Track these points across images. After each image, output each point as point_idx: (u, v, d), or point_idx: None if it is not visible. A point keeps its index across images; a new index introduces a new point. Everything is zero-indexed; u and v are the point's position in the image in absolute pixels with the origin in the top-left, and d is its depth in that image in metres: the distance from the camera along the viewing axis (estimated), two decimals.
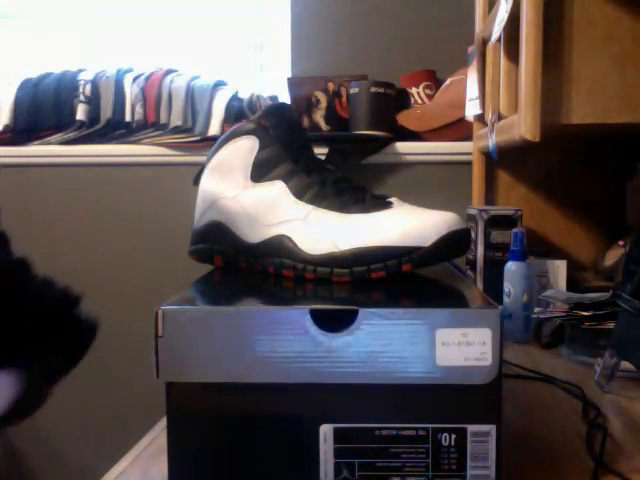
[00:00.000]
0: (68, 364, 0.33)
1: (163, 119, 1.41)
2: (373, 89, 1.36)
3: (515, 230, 0.97)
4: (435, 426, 0.46)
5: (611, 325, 0.79)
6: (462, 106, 1.28)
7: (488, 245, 1.07)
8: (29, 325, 0.31)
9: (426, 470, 0.47)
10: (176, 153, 1.45)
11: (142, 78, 1.45)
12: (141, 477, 0.52)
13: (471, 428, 0.46)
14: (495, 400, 0.46)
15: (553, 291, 0.99)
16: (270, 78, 1.58)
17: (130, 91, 1.43)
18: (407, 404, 0.46)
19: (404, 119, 1.39)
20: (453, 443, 0.46)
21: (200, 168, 0.70)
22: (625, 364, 0.71)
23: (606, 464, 0.54)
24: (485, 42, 1.17)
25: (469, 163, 1.35)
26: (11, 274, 0.32)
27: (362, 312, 0.45)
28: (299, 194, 0.61)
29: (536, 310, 0.95)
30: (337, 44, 1.46)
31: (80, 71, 1.48)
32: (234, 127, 0.66)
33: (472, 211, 1.12)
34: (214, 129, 1.40)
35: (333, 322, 0.45)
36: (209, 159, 0.68)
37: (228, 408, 0.47)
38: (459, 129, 1.37)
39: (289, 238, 0.59)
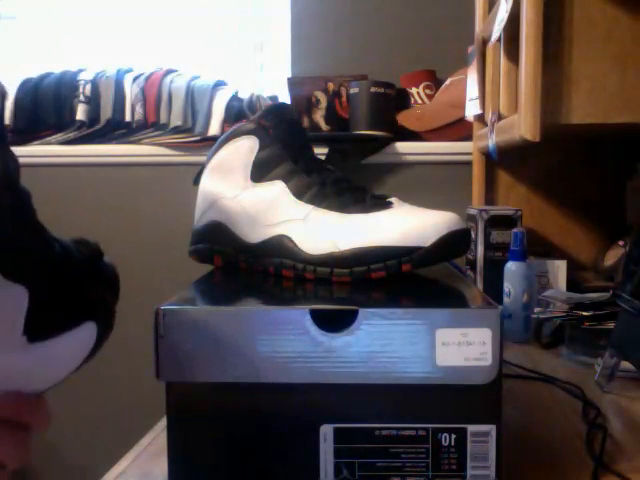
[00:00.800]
0: (114, 309, 0.38)
1: (163, 119, 1.41)
2: (373, 89, 1.36)
3: (515, 230, 0.97)
4: (435, 426, 0.46)
5: (611, 325, 0.79)
6: (462, 106, 1.28)
7: (488, 245, 1.07)
8: (89, 281, 0.36)
9: (426, 470, 0.47)
10: (176, 153, 1.45)
11: (142, 78, 1.44)
12: (141, 477, 0.52)
13: (471, 428, 0.46)
14: (495, 400, 0.46)
15: (553, 291, 0.99)
16: (270, 78, 1.58)
17: (130, 91, 1.43)
18: (407, 404, 0.46)
19: (404, 119, 1.39)
20: (453, 443, 0.46)
21: (200, 168, 0.70)
22: (625, 364, 0.71)
23: (606, 464, 0.53)
24: (485, 42, 1.17)
25: (469, 163, 1.35)
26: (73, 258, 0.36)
27: (362, 312, 0.45)
28: (299, 194, 0.61)
29: (536, 310, 0.95)
30: (337, 44, 1.46)
31: (80, 71, 1.48)
32: (234, 127, 0.66)
33: (472, 211, 1.12)
34: (214, 129, 1.40)
35: (333, 322, 0.45)
36: (209, 159, 0.68)
37: (228, 408, 0.47)
38: (459, 129, 1.37)
39: (289, 238, 0.59)
